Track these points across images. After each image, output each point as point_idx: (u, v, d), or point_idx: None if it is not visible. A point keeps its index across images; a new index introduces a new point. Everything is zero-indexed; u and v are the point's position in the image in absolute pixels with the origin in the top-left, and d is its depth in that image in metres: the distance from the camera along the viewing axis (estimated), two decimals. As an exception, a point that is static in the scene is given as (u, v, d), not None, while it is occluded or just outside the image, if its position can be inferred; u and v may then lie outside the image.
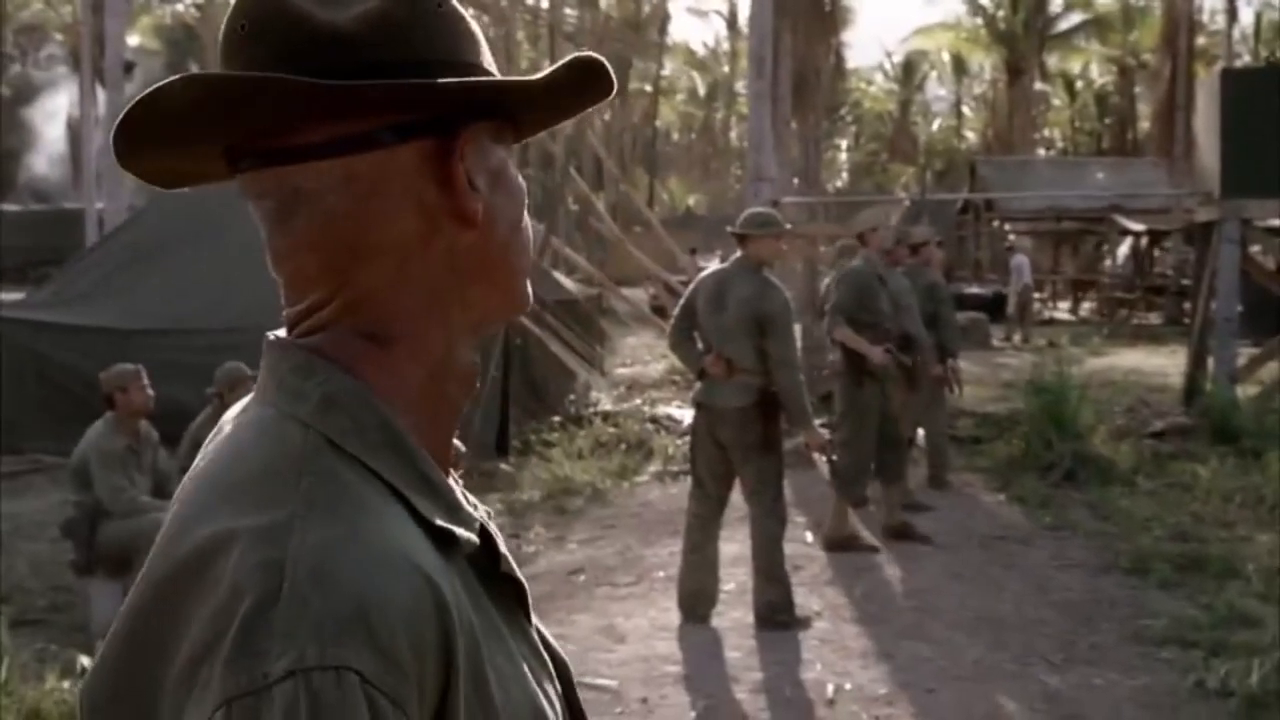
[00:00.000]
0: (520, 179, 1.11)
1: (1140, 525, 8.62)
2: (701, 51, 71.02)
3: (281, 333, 1.06)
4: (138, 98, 0.98)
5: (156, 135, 1.00)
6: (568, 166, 25.03)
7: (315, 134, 0.99)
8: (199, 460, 1.05)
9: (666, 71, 65.04)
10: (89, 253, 14.19)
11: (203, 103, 0.97)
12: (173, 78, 0.97)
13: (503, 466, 10.86)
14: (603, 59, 1.09)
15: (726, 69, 65.30)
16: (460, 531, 0.98)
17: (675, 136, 74.25)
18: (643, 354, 19.17)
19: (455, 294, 1.05)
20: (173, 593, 0.92)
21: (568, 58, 1.08)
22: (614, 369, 16.92)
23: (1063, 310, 31.53)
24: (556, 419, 12.40)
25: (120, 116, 0.99)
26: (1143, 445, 11.33)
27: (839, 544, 8.17)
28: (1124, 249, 31.01)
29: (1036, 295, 28.15)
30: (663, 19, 60.17)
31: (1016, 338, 22.70)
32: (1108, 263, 32.15)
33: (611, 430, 12.20)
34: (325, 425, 0.97)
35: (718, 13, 67.23)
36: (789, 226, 7.66)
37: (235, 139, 1.02)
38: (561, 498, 9.87)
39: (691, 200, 66.20)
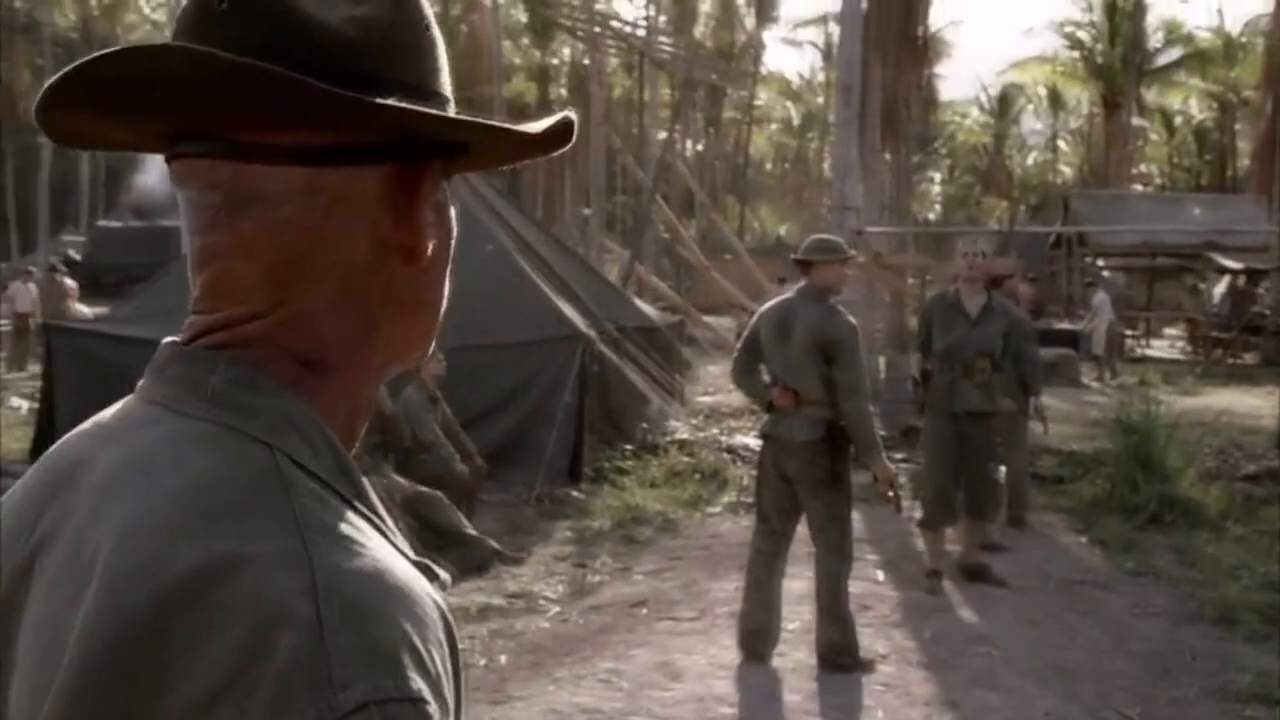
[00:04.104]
0: (454, 217, 1.04)
1: (1228, 573, 8.30)
2: (796, 82, 71.08)
3: (176, 339, 0.99)
4: (108, 54, 0.88)
5: (113, 99, 0.92)
6: (654, 194, 25.06)
7: (292, 136, 0.92)
8: (91, 466, 0.95)
9: (760, 101, 65.08)
10: (173, 267, 14.26)
11: (184, 80, 0.89)
12: (163, 44, 0.89)
13: (574, 493, 10.78)
14: (574, 120, 1.04)
15: (820, 99, 65.17)
16: (436, 568, 0.95)
17: (769, 166, 74.26)
18: (724, 383, 18.94)
19: (384, 330, 1.00)
20: (162, 622, 0.83)
21: (561, 116, 1.03)
22: (694, 397, 16.77)
23: (1157, 348, 30.85)
24: (631, 447, 12.28)
25: (77, 66, 0.89)
26: (1234, 489, 10.96)
27: (971, 571, 8.12)
28: (1220, 287, 30.32)
29: (1128, 333, 27.58)
30: (757, 48, 60.35)
31: (1107, 375, 22.26)
32: (1203, 300, 31.47)
33: (686, 459, 12.05)
34: (285, 445, 0.91)
35: (812, 44, 67.17)
36: (853, 254, 7.57)
37: (200, 120, 0.94)
38: (631, 527, 9.75)
39: (782, 229, 66.01)
